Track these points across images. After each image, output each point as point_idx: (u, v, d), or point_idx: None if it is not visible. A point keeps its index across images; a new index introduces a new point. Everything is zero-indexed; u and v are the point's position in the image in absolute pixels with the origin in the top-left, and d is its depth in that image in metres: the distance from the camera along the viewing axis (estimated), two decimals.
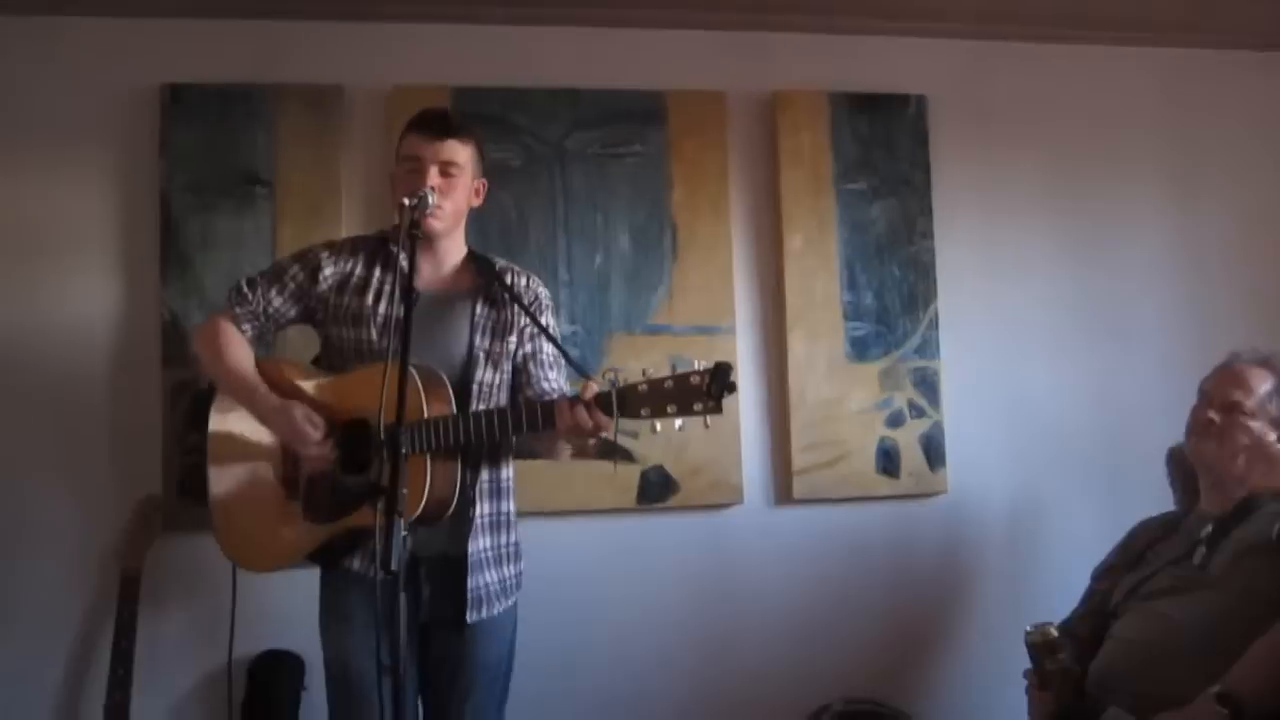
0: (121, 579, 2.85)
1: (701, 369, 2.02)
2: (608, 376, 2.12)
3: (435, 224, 2.34)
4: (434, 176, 2.35)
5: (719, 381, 2.00)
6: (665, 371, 2.05)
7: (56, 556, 2.98)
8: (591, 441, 2.21)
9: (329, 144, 3.12)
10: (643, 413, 2.06)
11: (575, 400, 2.13)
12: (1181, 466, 2.74)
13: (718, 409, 2.02)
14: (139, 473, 3.00)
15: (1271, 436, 2.46)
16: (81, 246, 3.06)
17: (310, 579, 2.46)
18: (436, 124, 2.42)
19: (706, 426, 2.05)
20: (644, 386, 2.06)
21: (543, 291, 2.54)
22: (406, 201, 2.19)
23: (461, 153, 2.41)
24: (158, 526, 2.95)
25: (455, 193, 2.40)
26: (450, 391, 2.29)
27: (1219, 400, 2.50)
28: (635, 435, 3.13)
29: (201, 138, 3.07)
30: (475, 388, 2.38)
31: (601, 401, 2.10)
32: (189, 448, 2.95)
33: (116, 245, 3.07)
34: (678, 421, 2.05)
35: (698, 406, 2.01)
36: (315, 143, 3.12)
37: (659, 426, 2.07)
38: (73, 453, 3.01)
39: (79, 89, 3.07)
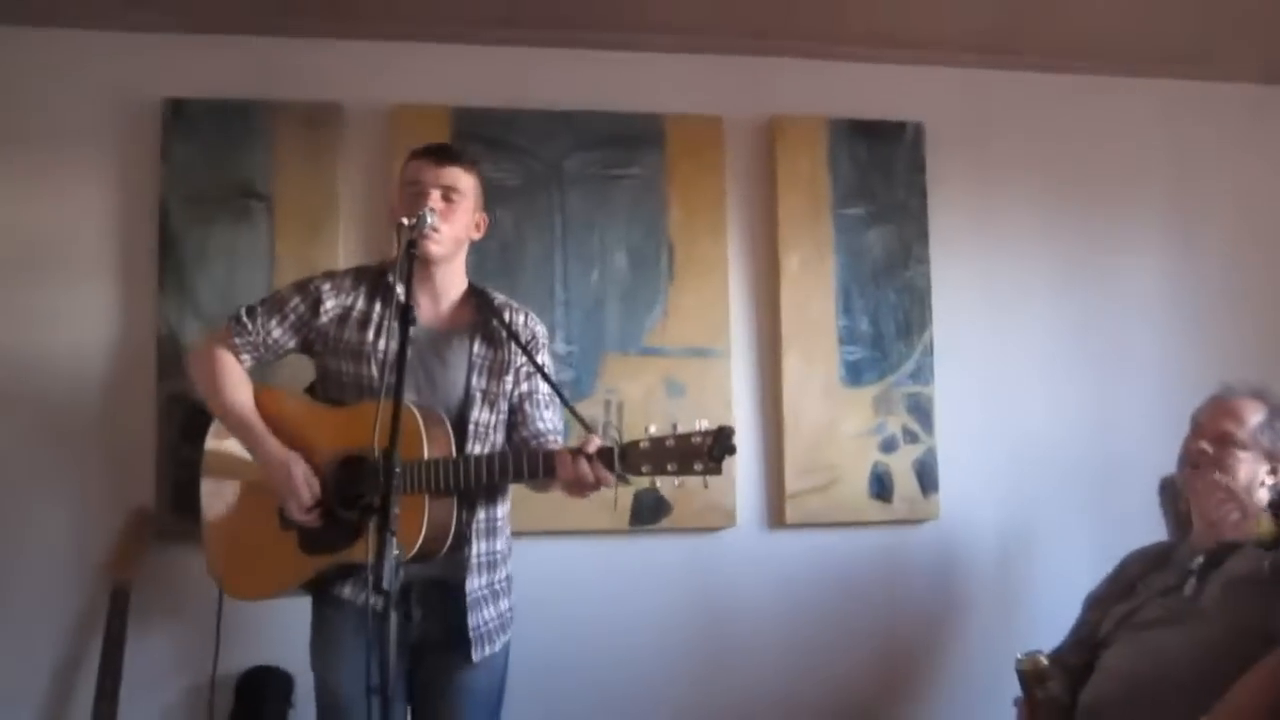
0: (112, 590, 2.84)
1: (704, 430, 2.08)
2: (610, 434, 2.19)
3: (434, 248, 2.35)
4: (435, 199, 2.36)
5: (721, 445, 2.07)
6: (668, 430, 2.11)
7: (47, 566, 2.97)
8: (587, 495, 2.24)
9: (327, 161, 3.13)
10: (644, 469, 2.12)
11: (577, 453, 2.16)
12: (1174, 497, 2.74)
13: (717, 470, 2.08)
14: (132, 484, 2.99)
15: (1264, 469, 2.46)
16: (79, 257, 3.06)
17: (299, 597, 2.46)
18: (440, 150, 2.47)
19: (705, 487, 2.11)
20: (646, 444, 2.12)
21: (539, 329, 2.56)
22: (405, 221, 2.20)
23: (464, 180, 2.43)
24: (149, 539, 2.93)
25: (455, 219, 2.41)
26: (450, 432, 2.31)
27: (1211, 431, 2.51)
28: None
29: (201, 152, 3.07)
30: (472, 427, 2.39)
31: (604, 456, 2.14)
32: (182, 460, 2.97)
33: (114, 256, 3.08)
34: (676, 480, 2.11)
35: (698, 467, 2.08)
36: (313, 159, 3.12)
37: (659, 483, 2.14)
38: (66, 463, 3.00)
39: (81, 100, 3.08)
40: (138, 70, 3.11)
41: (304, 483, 2.31)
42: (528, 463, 2.21)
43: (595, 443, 2.16)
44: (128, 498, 2.99)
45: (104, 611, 2.84)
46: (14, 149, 3.05)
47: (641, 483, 3.09)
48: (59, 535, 2.99)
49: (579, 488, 2.18)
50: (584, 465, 2.14)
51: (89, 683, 2.82)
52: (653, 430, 2.12)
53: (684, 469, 2.08)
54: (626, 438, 2.18)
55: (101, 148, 3.09)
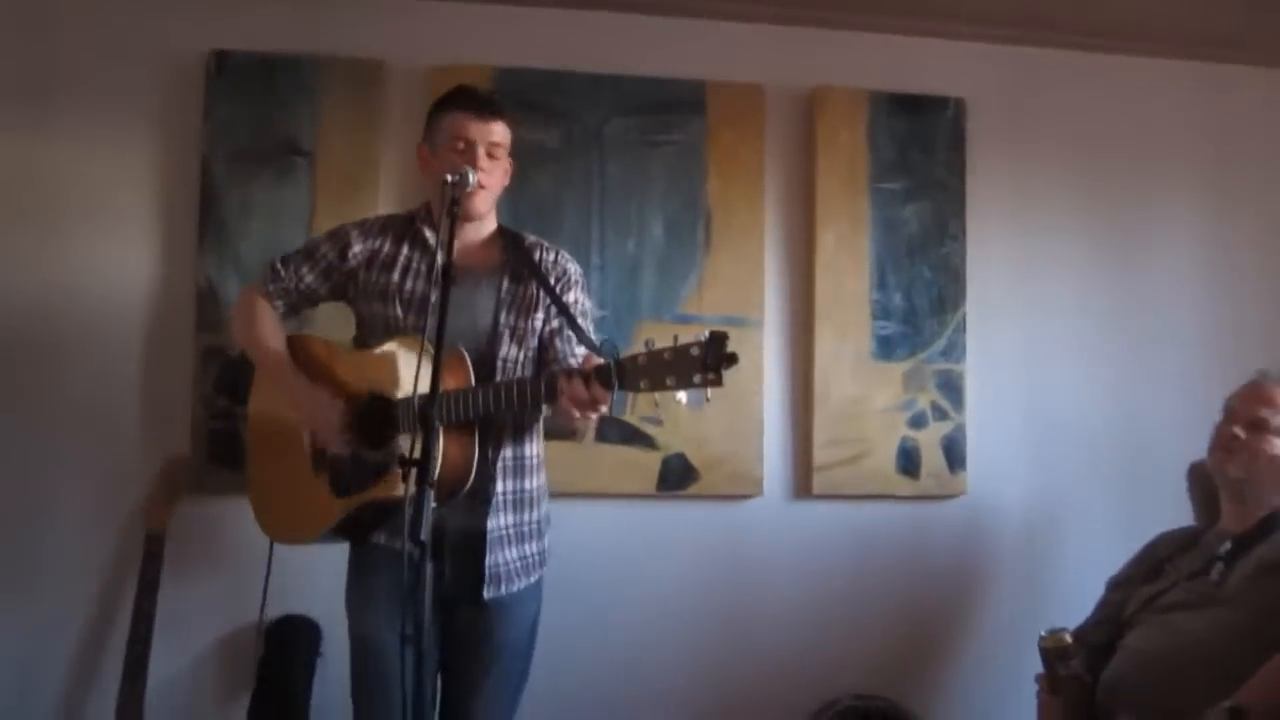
0: (146, 538, 2.89)
1: (699, 340, 1.97)
2: (607, 349, 2.12)
3: (480, 207, 2.38)
4: (482, 158, 2.37)
5: (715, 351, 1.95)
6: (666, 344, 2.02)
7: (84, 513, 3.02)
8: (592, 416, 2.18)
9: (369, 118, 3.14)
10: (642, 385, 2.03)
11: (573, 373, 2.13)
12: (1202, 482, 2.74)
13: (718, 381, 1.96)
14: (168, 434, 3.03)
15: None
16: (121, 209, 3.08)
17: (330, 546, 2.49)
18: (485, 105, 2.44)
19: (707, 399, 2.00)
20: (642, 359, 2.03)
21: (572, 267, 2.54)
22: (450, 178, 2.21)
23: (506, 134, 2.44)
24: (184, 488, 2.98)
25: (496, 173, 2.43)
26: (469, 367, 2.30)
27: (1245, 417, 2.50)
28: (659, 422, 3.16)
29: (244, 106, 3.08)
30: (500, 363, 2.40)
31: (600, 374, 2.09)
32: (218, 412, 3.01)
33: (155, 209, 3.10)
34: (680, 395, 2.01)
35: (697, 378, 1.97)
36: (356, 116, 3.13)
37: (658, 399, 2.03)
38: (105, 412, 3.04)
39: (125, 53, 3.09)
40: (182, 22, 3.11)
41: (329, 407, 2.35)
42: (530, 388, 2.18)
43: (593, 361, 2.14)
44: (164, 447, 3.03)
45: (138, 558, 2.89)
46: (59, 100, 3.06)
47: (670, 448, 3.17)
48: (96, 482, 3.03)
49: (578, 406, 2.12)
50: (579, 383, 2.10)
51: (123, 627, 2.88)
52: (650, 344, 2.03)
53: (682, 382, 1.98)
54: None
55: (145, 100, 3.10)
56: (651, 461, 3.20)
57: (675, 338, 2.01)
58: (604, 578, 3.16)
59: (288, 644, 2.98)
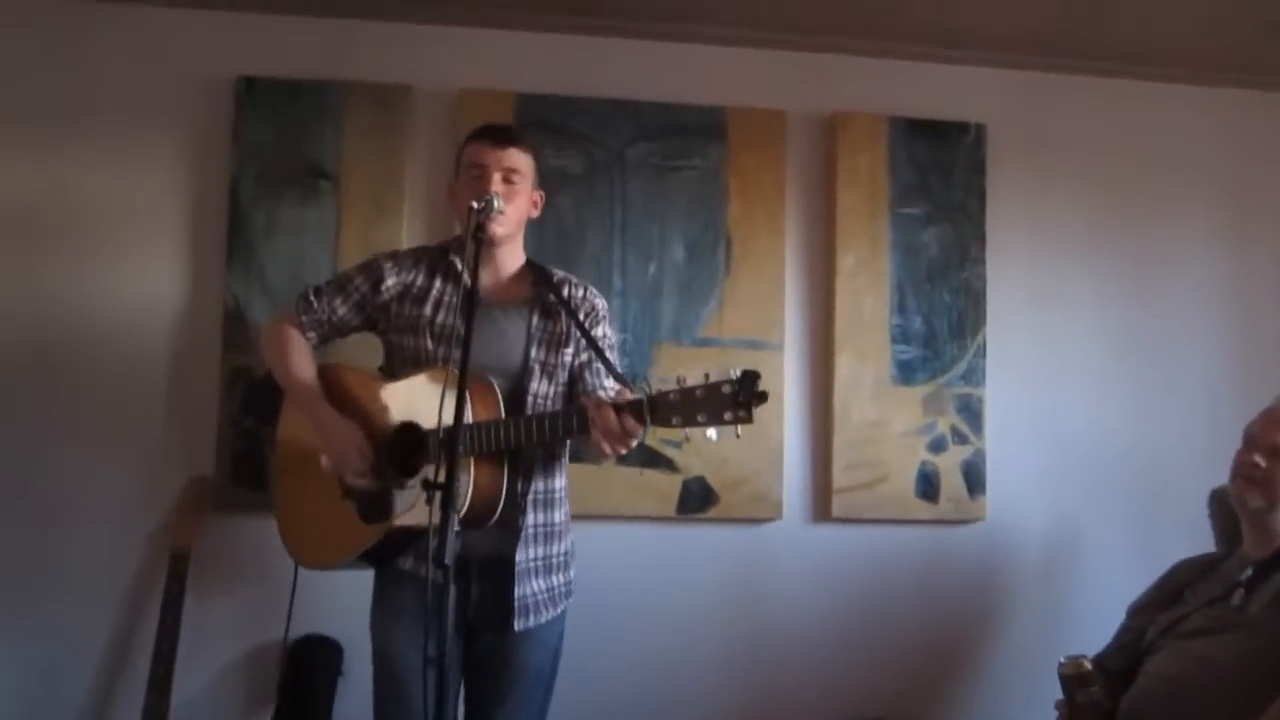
0: (171, 556, 2.91)
1: (732, 378, 2.01)
2: (640, 384, 2.14)
3: (498, 230, 2.39)
4: (497, 183, 2.40)
5: (747, 389, 1.99)
6: (698, 380, 2.05)
7: (109, 530, 3.05)
8: (623, 451, 2.20)
9: (394, 142, 3.18)
10: (674, 421, 2.06)
11: (607, 403, 2.15)
12: (1223, 508, 2.74)
13: (748, 419, 2.01)
14: (193, 453, 3.07)
15: None
16: (151, 229, 3.13)
17: (359, 570, 2.51)
18: (499, 133, 2.48)
19: (738, 436, 2.04)
20: (675, 395, 2.06)
21: (599, 302, 2.58)
22: (475, 205, 2.25)
23: (523, 161, 2.46)
24: (208, 507, 3.01)
25: (517, 200, 2.45)
26: (499, 397, 2.33)
27: (1264, 444, 2.49)
28: (679, 445, 3.18)
29: (272, 129, 3.14)
30: (530, 399, 2.43)
31: (634, 408, 2.12)
32: (243, 432, 3.04)
33: (184, 230, 3.14)
34: (710, 432, 2.04)
35: (728, 416, 2.01)
36: (381, 140, 3.17)
37: (688, 434, 2.07)
38: (130, 430, 3.08)
39: (157, 76, 3.15)
40: (213, 48, 3.17)
41: (356, 447, 2.36)
42: (562, 420, 2.21)
43: (626, 395, 2.16)
44: (189, 466, 3.06)
45: (163, 575, 2.91)
46: (90, 122, 3.12)
47: (690, 471, 3.18)
48: (121, 500, 3.06)
49: (610, 439, 2.14)
50: (612, 415, 2.12)
51: (147, 644, 2.89)
52: (683, 380, 2.06)
53: (714, 419, 2.02)
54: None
55: (176, 123, 3.15)
56: (671, 484, 3.21)
57: (706, 375, 2.04)
58: (623, 600, 3.17)
59: (310, 663, 3.00)
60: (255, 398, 3.01)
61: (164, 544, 2.96)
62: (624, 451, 2.19)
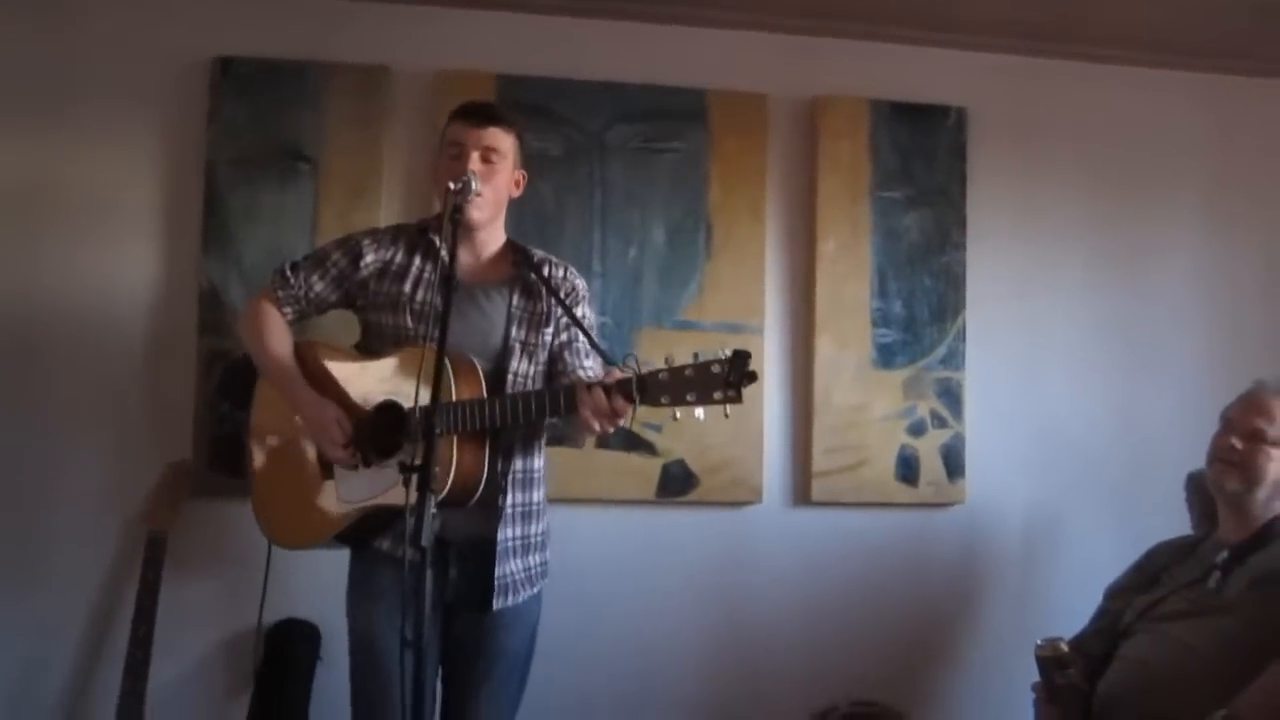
0: (148, 540, 2.90)
1: (722, 358, 2.01)
2: (628, 363, 2.13)
3: (476, 213, 2.37)
4: (475, 161, 2.38)
5: (738, 369, 1.99)
6: (687, 360, 2.05)
7: (86, 515, 3.03)
8: (611, 430, 2.20)
9: (373, 124, 3.15)
10: (663, 400, 2.06)
11: (595, 385, 2.14)
12: (1200, 492, 2.75)
13: (738, 398, 2.01)
14: (171, 438, 3.05)
15: None
16: (125, 212, 3.09)
17: (330, 551, 2.50)
18: (479, 111, 2.46)
19: (726, 416, 2.05)
20: (665, 374, 2.06)
21: (579, 283, 2.57)
22: (452, 185, 2.23)
23: (504, 140, 2.44)
24: (185, 491, 2.99)
25: (496, 180, 2.43)
26: (481, 376, 2.33)
27: (1242, 428, 2.51)
28: (659, 428, 3.17)
29: (249, 111, 3.10)
30: (510, 377, 2.42)
31: (623, 388, 2.11)
32: (220, 416, 3.02)
33: (160, 213, 3.11)
34: (698, 411, 2.04)
35: (717, 395, 2.01)
36: (360, 122, 3.14)
37: (678, 414, 2.06)
38: (106, 414, 3.05)
39: (132, 57, 3.11)
40: (188, 28, 3.13)
41: (335, 423, 2.35)
42: (550, 398, 2.21)
43: (615, 374, 2.15)
44: (166, 451, 3.04)
45: (140, 560, 2.90)
46: (65, 104, 3.08)
47: (670, 455, 3.18)
48: (98, 485, 3.04)
49: (598, 418, 2.14)
50: (601, 395, 2.12)
51: (124, 628, 2.88)
52: (671, 360, 2.06)
53: (703, 398, 2.02)
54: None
55: (151, 104, 3.11)
56: (652, 468, 3.21)
57: (696, 355, 2.04)
58: (604, 584, 3.17)
59: (287, 647, 3.00)
60: (231, 382, 2.99)
61: (141, 529, 2.94)
62: (611, 430, 2.18)
